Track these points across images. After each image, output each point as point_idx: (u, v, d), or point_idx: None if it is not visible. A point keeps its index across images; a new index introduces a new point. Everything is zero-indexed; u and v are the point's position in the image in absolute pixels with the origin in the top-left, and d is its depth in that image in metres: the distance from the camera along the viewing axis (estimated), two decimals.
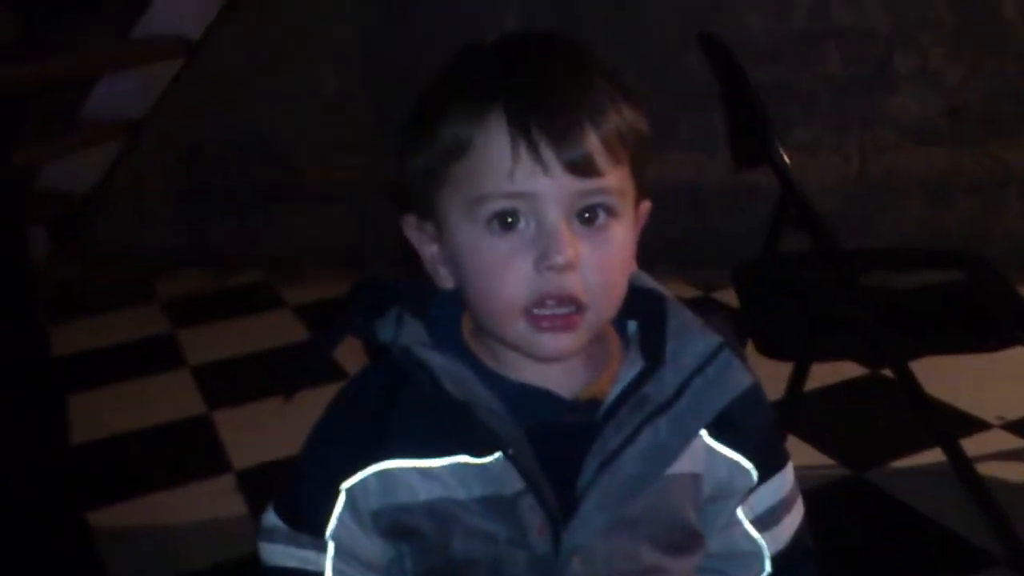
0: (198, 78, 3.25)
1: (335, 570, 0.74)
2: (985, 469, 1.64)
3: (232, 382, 2.47)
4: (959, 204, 2.71)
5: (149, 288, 3.22)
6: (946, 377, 1.93)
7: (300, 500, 0.75)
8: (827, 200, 2.67)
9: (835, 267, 1.42)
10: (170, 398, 2.40)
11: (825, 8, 2.64)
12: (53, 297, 3.20)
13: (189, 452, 2.15)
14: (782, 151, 1.36)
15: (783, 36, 2.67)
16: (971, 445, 1.67)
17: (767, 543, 0.80)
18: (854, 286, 1.42)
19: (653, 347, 0.72)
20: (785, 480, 0.81)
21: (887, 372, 1.53)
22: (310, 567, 0.74)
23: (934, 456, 1.60)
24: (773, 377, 1.67)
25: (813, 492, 1.67)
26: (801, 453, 1.86)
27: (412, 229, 0.74)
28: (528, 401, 0.71)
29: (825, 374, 2.08)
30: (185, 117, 3.31)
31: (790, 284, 1.60)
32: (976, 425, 1.93)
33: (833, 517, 1.67)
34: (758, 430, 0.77)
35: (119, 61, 3.26)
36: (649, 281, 0.76)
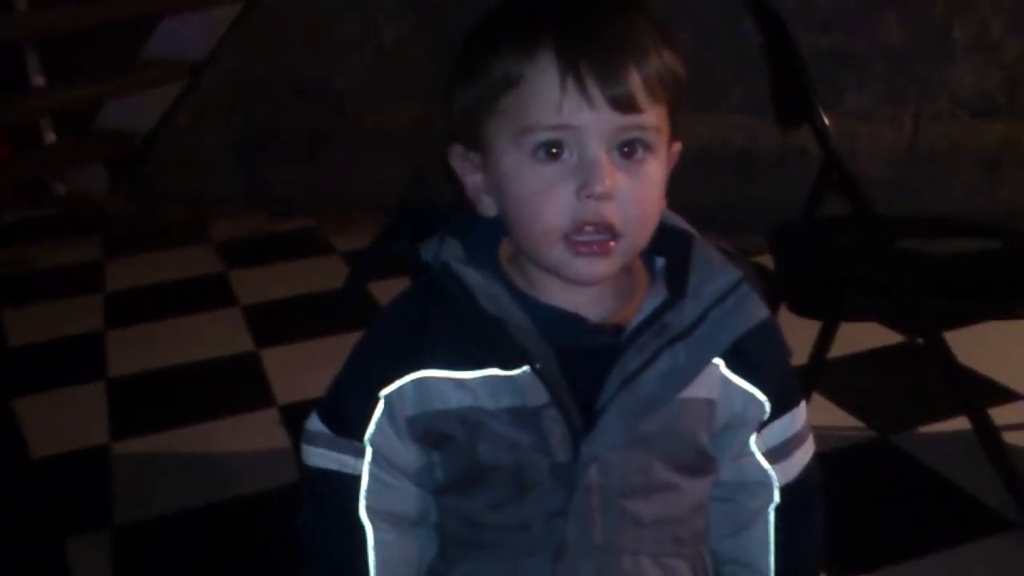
0: (258, 23, 3.30)
1: (371, 474, 0.80)
2: (1012, 438, 1.65)
3: (280, 322, 2.54)
4: (1011, 178, 2.68)
5: (203, 228, 3.29)
6: (979, 348, 1.94)
7: (342, 406, 0.80)
8: (877, 168, 2.67)
9: (869, 230, 1.44)
10: (220, 335, 2.48)
11: None
12: (112, 233, 3.31)
13: (236, 386, 2.22)
14: (823, 113, 1.37)
15: (841, 2, 2.65)
16: (1000, 415, 1.69)
17: (777, 475, 0.84)
18: (887, 249, 1.44)
19: (677, 280, 0.76)
20: (797, 417, 0.84)
21: (921, 341, 1.55)
22: (348, 470, 0.80)
23: (962, 424, 1.62)
24: (805, 340, 1.71)
25: (839, 452, 1.75)
26: (829, 414, 1.89)
27: (458, 159, 0.78)
28: (557, 322, 0.75)
29: (858, 340, 2.10)
30: (244, 61, 3.36)
31: (824, 246, 1.61)
32: (1006, 395, 1.93)
33: (857, 476, 1.71)
34: (773, 364, 0.81)
35: (180, 2, 3.32)
36: (678, 220, 0.80)
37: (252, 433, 2.01)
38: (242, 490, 1.81)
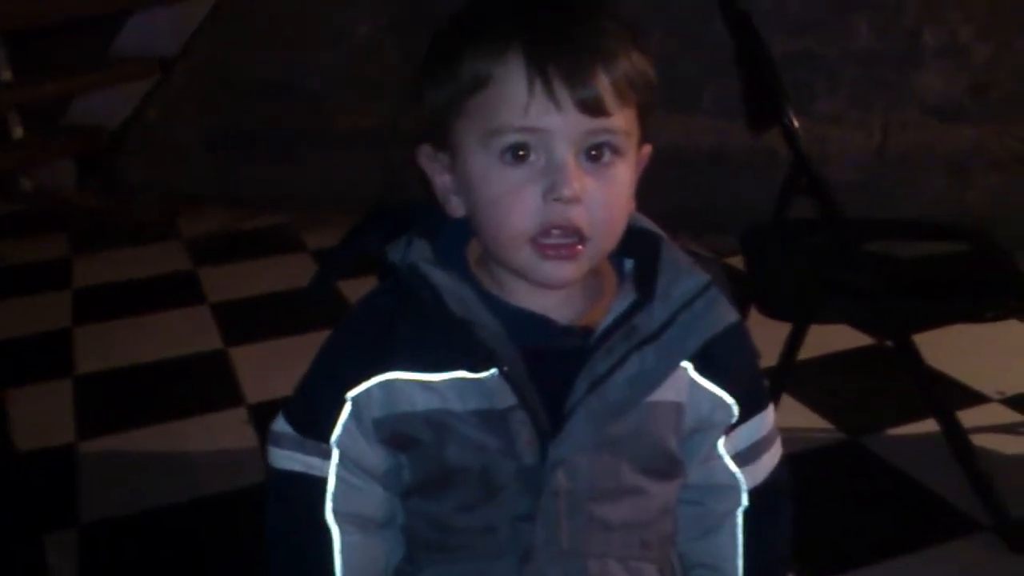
0: (230, 19, 3.27)
1: (337, 476, 0.79)
2: (981, 441, 1.67)
3: (249, 320, 2.52)
4: (980, 182, 2.71)
5: (173, 225, 3.26)
6: (948, 351, 1.96)
7: (308, 408, 0.80)
8: (847, 173, 2.69)
9: (838, 232, 1.45)
10: (189, 332, 2.46)
11: None
12: (80, 229, 3.27)
13: (205, 384, 2.20)
14: (792, 115, 1.38)
15: (812, 7, 2.67)
16: (968, 418, 1.71)
17: (745, 478, 0.84)
18: (856, 251, 1.45)
19: (646, 283, 0.76)
20: (765, 420, 0.85)
21: (890, 343, 1.56)
22: (314, 472, 0.79)
23: (930, 426, 1.63)
24: (775, 342, 1.72)
25: (809, 453, 1.76)
26: (799, 416, 1.90)
27: (427, 159, 0.77)
28: (525, 325, 0.75)
29: (828, 342, 2.12)
30: (216, 57, 3.33)
31: (795, 248, 1.62)
32: (975, 398, 1.95)
33: (827, 478, 1.72)
34: (741, 368, 0.81)
35: None
36: (646, 222, 0.80)
37: (220, 432, 1.99)
38: (210, 489, 1.80)
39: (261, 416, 2.02)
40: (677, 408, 0.78)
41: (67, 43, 3.42)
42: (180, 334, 2.46)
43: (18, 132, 3.54)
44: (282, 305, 2.60)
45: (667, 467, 0.80)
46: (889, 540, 1.57)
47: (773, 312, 1.48)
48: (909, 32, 2.64)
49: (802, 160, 1.42)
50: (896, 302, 1.45)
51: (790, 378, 1.69)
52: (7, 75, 3.45)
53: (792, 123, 1.39)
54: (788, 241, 1.64)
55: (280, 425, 0.82)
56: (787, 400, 1.89)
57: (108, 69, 3.40)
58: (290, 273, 2.79)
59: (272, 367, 2.21)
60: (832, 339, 2.14)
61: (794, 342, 1.54)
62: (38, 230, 3.30)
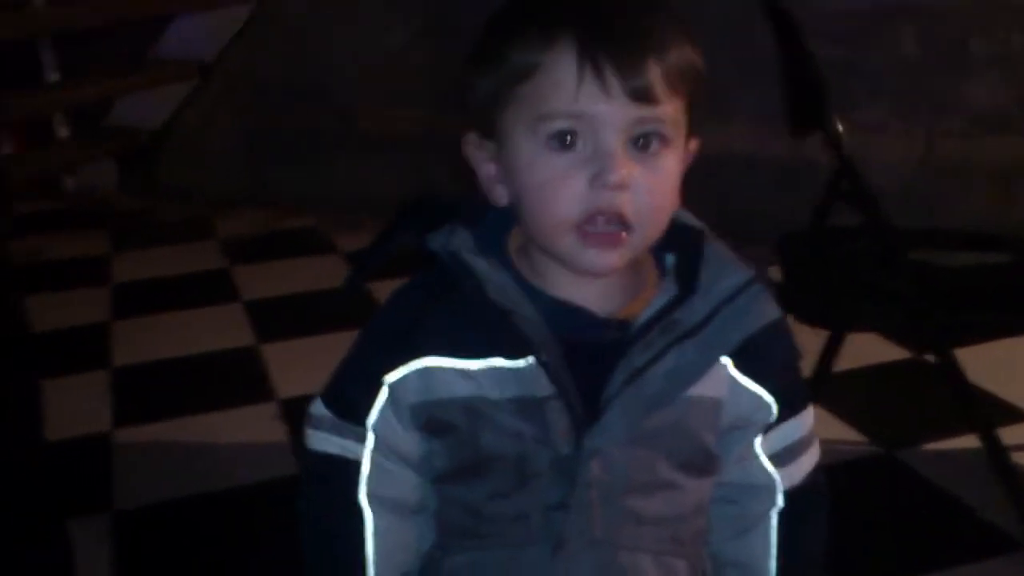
0: (267, 24, 3.31)
1: (372, 460, 0.79)
2: (1021, 458, 1.63)
3: (281, 318, 2.55)
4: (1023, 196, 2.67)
5: (209, 225, 3.31)
6: (988, 366, 1.92)
7: (346, 391, 0.80)
8: (887, 182, 2.64)
9: (880, 239, 1.42)
10: (222, 328, 2.49)
11: None
12: (120, 227, 3.32)
13: (237, 379, 2.23)
14: (836, 120, 1.36)
15: (856, 13, 2.64)
16: (1008, 435, 1.67)
17: (782, 479, 0.83)
18: (897, 259, 1.42)
19: (687, 277, 0.75)
20: (805, 422, 0.83)
21: (929, 357, 1.53)
22: (350, 455, 0.79)
23: (969, 442, 1.60)
24: (809, 352, 1.69)
25: (842, 465, 1.73)
26: (832, 427, 1.87)
27: (472, 147, 0.77)
28: (565, 315, 0.75)
29: (864, 354, 2.09)
30: (252, 62, 3.38)
31: (834, 254, 1.60)
32: (1015, 415, 1.91)
33: (859, 491, 1.69)
34: (782, 367, 0.80)
35: (191, 3, 3.34)
36: (690, 218, 0.79)
37: (251, 426, 2.01)
38: (239, 481, 1.81)
39: (291, 412, 2.04)
40: (715, 404, 0.77)
41: (111, 47, 3.48)
42: (214, 330, 2.48)
43: (63, 133, 3.60)
44: (313, 304, 2.62)
45: (703, 463, 0.79)
46: (923, 556, 1.54)
47: (810, 318, 1.46)
48: (955, 41, 2.60)
49: (845, 164, 1.40)
50: (936, 311, 1.42)
51: (825, 388, 1.66)
52: (55, 76, 3.52)
53: (835, 126, 1.37)
54: (827, 247, 1.62)
55: (318, 408, 0.82)
56: (820, 411, 1.85)
57: (149, 73, 3.46)
58: (321, 274, 2.82)
59: (302, 364, 2.22)
60: (868, 351, 2.11)
61: (830, 350, 1.52)
62: (80, 227, 3.36)
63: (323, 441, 0.81)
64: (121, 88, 3.48)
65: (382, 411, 0.78)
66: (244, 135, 3.46)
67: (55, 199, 3.62)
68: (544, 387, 0.73)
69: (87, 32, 3.35)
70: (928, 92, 2.67)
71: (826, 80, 1.39)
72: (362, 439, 0.79)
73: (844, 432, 1.88)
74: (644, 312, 0.75)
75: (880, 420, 1.93)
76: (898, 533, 1.61)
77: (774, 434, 0.82)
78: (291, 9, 3.28)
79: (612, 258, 0.72)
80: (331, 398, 0.81)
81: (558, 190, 0.70)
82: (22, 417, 1.21)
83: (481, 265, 0.74)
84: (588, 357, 0.73)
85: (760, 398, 0.79)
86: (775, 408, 0.79)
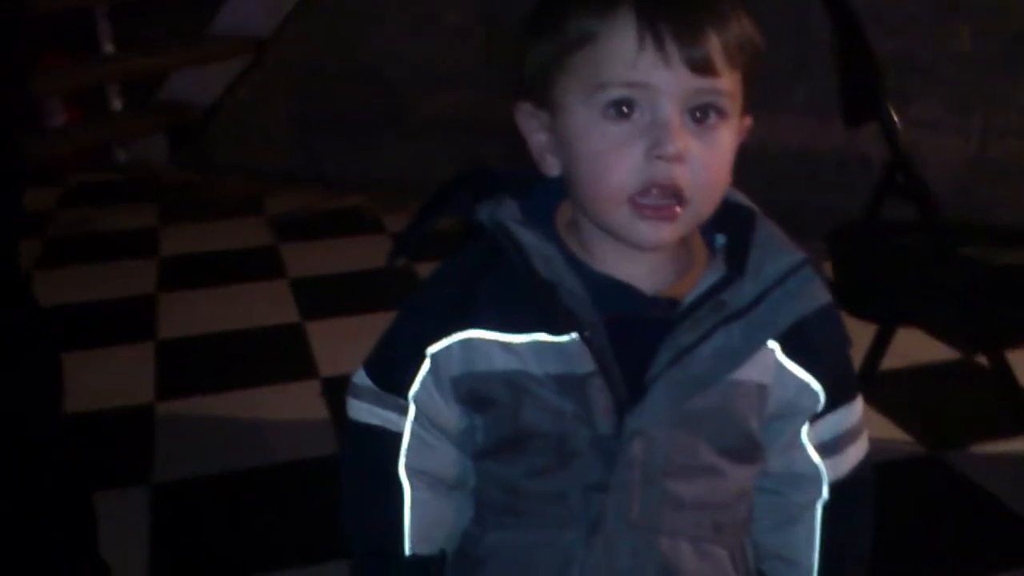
0: (321, 4, 3.32)
1: (412, 432, 0.79)
2: None
3: (326, 296, 2.57)
4: None
5: (258, 201, 3.34)
6: None
7: (389, 362, 0.80)
8: (939, 179, 2.60)
9: (933, 233, 1.40)
10: (268, 305, 2.52)
11: None
12: (169, 200, 3.37)
13: (281, 356, 2.25)
14: (891, 110, 1.34)
15: (911, 6, 2.59)
16: None
17: (828, 470, 0.81)
18: (950, 254, 1.40)
19: (737, 258, 0.74)
20: (853, 412, 0.82)
21: (979, 358, 1.50)
22: (390, 426, 0.79)
23: (1017, 445, 1.57)
24: (856, 348, 1.67)
25: (887, 465, 1.69)
26: (877, 425, 1.84)
27: (525, 117, 0.76)
28: (611, 291, 0.74)
29: (911, 354, 2.05)
30: (306, 41, 3.39)
31: (886, 248, 1.58)
32: None
33: (902, 491, 1.67)
34: (831, 354, 0.78)
35: None
36: (741, 197, 0.78)
37: (293, 403, 2.03)
38: (280, 457, 1.83)
39: (334, 389, 2.05)
40: (761, 390, 0.76)
41: (167, 20, 3.52)
42: (259, 306, 2.51)
43: (116, 105, 3.65)
44: (359, 283, 2.64)
45: (746, 449, 0.77)
46: (963, 559, 1.52)
47: (861, 312, 1.44)
48: (1014, 35, 2.54)
49: (900, 156, 1.38)
50: (988, 309, 1.40)
51: (871, 384, 1.64)
52: (110, 48, 3.56)
53: (891, 117, 1.34)
54: (879, 240, 1.60)
55: (360, 378, 0.82)
56: (865, 407, 1.83)
57: (204, 47, 3.49)
58: (368, 253, 2.84)
59: (346, 343, 2.23)
60: (915, 350, 2.07)
61: (879, 345, 1.49)
62: (130, 200, 3.40)
63: (364, 411, 0.81)
64: (176, 62, 3.52)
65: (423, 382, 0.78)
66: (296, 113, 3.49)
67: (106, 171, 3.67)
68: (586, 364, 0.72)
69: (143, 4, 3.38)
70: (983, 88, 2.61)
71: (882, 69, 1.37)
72: (403, 411, 0.79)
73: (888, 430, 1.85)
74: (692, 291, 0.74)
75: (926, 420, 1.90)
76: (940, 535, 1.58)
77: (821, 423, 0.80)
78: None
79: (665, 232, 0.71)
80: (373, 368, 0.81)
81: (613, 160, 0.69)
82: (40, 393, 1.21)
83: (527, 236, 0.73)
84: (633, 335, 0.72)
85: (808, 385, 0.77)
86: (823, 396, 0.78)
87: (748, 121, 0.75)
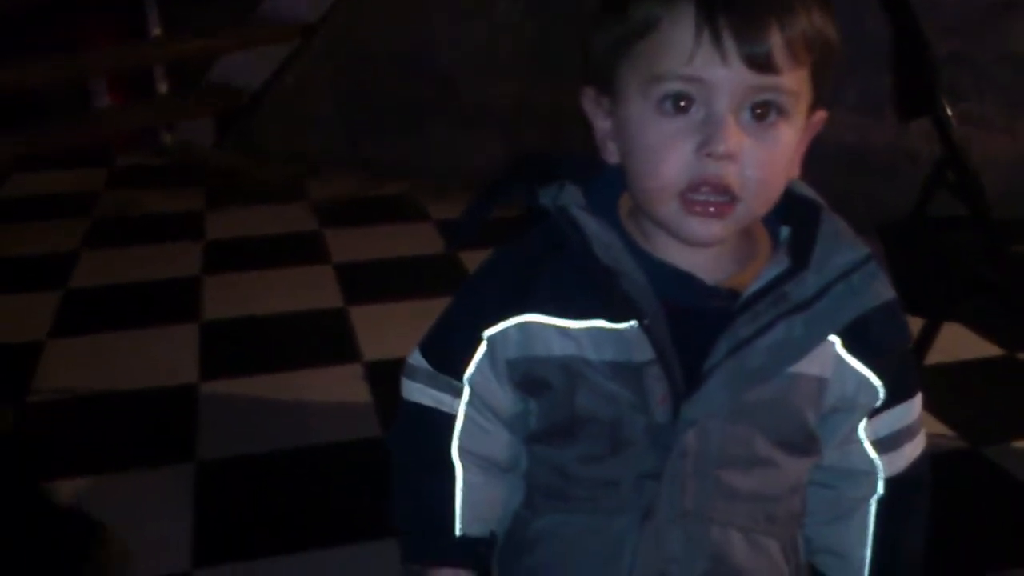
0: None
1: (466, 414, 0.80)
2: None
3: (370, 281, 2.59)
4: None
5: (303, 187, 3.36)
6: None
7: (445, 343, 0.81)
8: (989, 178, 2.56)
9: (983, 229, 1.38)
10: (311, 289, 2.54)
11: None
12: (215, 184, 3.40)
13: (324, 339, 2.27)
14: (945, 104, 1.32)
15: (966, 6, 2.55)
16: None
17: (884, 466, 0.80)
18: (999, 251, 1.38)
19: (801, 251, 0.73)
20: (912, 409, 0.81)
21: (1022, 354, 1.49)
22: (444, 408, 0.80)
23: None
24: None
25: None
26: (922, 421, 1.83)
27: (590, 102, 0.76)
28: (671, 280, 0.73)
29: (957, 349, 2.04)
30: (353, 27, 3.40)
31: (936, 244, 1.56)
32: None
33: (942, 486, 1.65)
34: (893, 349, 0.77)
35: None
36: (808, 190, 0.77)
37: (335, 386, 2.05)
38: (322, 439, 1.85)
39: (376, 373, 2.07)
40: (820, 383, 0.75)
41: (215, 4, 3.55)
42: (303, 290, 2.53)
43: (163, 88, 3.69)
44: (403, 270, 2.66)
45: (802, 443, 0.77)
46: (1004, 553, 1.51)
47: (909, 307, 1.41)
48: None
49: (952, 150, 1.36)
50: None
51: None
52: (157, 31, 3.60)
53: (945, 112, 1.33)
54: (929, 236, 1.58)
55: (415, 358, 0.82)
56: None
57: (251, 32, 3.52)
58: (412, 240, 2.85)
59: (389, 328, 2.26)
60: (959, 346, 2.06)
61: (925, 340, 1.48)
62: (176, 183, 3.44)
63: (418, 392, 0.82)
64: (223, 46, 3.54)
65: (479, 364, 0.78)
66: (342, 100, 3.49)
67: (153, 154, 3.71)
68: (644, 352, 0.72)
69: None
70: None
71: (938, 64, 1.35)
72: (457, 392, 0.80)
73: (930, 425, 1.82)
74: (754, 283, 0.73)
75: (968, 415, 1.89)
76: (980, 528, 1.57)
77: (879, 419, 0.79)
78: None
79: (714, 229, 0.70)
80: (429, 349, 0.82)
81: (664, 155, 0.69)
82: None
83: (589, 222, 0.73)
84: (692, 325, 0.72)
85: (867, 380, 0.76)
86: (882, 392, 0.77)
87: (820, 116, 0.74)
